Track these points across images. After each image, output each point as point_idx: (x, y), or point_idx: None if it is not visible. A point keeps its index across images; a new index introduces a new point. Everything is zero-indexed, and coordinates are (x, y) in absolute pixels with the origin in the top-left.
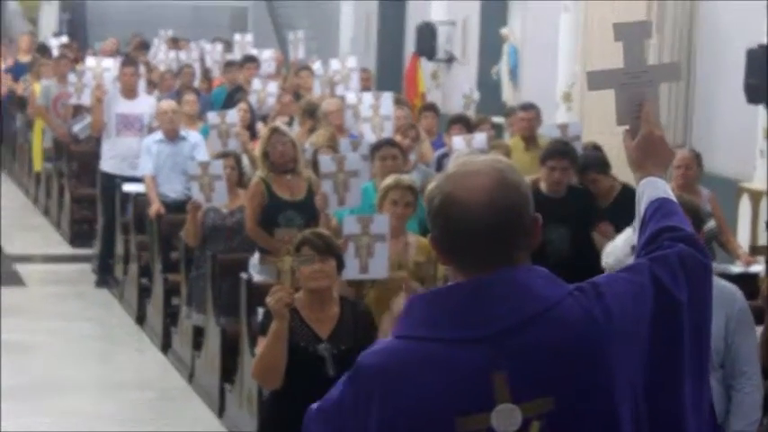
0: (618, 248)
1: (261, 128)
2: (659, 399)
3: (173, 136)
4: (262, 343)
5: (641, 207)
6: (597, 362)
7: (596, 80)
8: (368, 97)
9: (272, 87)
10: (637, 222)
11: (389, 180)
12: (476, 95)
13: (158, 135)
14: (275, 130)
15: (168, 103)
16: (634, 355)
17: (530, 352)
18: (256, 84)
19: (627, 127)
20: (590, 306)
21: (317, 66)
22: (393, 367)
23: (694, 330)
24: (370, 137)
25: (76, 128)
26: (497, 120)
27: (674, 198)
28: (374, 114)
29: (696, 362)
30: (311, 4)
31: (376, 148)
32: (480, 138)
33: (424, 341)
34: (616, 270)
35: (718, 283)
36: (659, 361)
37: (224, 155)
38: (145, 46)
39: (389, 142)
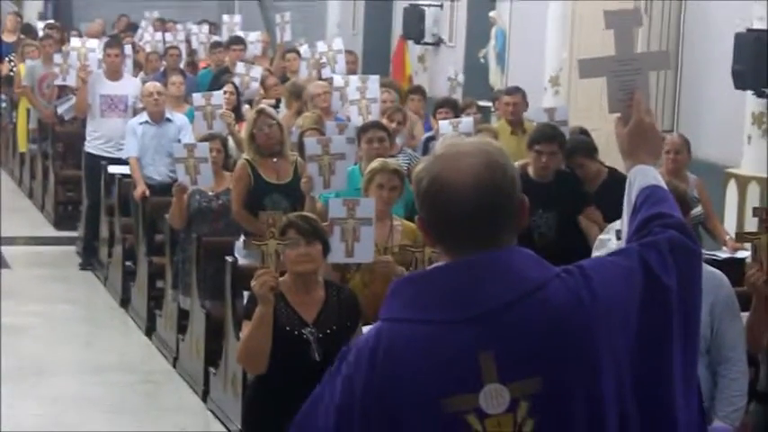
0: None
1: (247, 110)
2: (649, 383)
3: (158, 118)
4: (246, 327)
5: (632, 194)
6: (584, 343)
7: (587, 68)
8: (354, 80)
9: (256, 72)
10: (626, 209)
11: (375, 164)
12: (461, 78)
13: (143, 117)
14: (261, 113)
15: (154, 85)
16: (621, 338)
17: (517, 332)
18: (240, 67)
19: (618, 114)
20: (577, 288)
21: (303, 48)
22: (380, 349)
23: (683, 316)
24: (357, 120)
25: (61, 109)
26: (485, 103)
27: (664, 185)
28: (361, 97)
29: (685, 347)
30: None
31: (363, 130)
32: (467, 121)
33: (411, 323)
34: (607, 253)
35: (705, 269)
36: (648, 345)
37: (210, 137)
38: (132, 27)
39: (377, 125)
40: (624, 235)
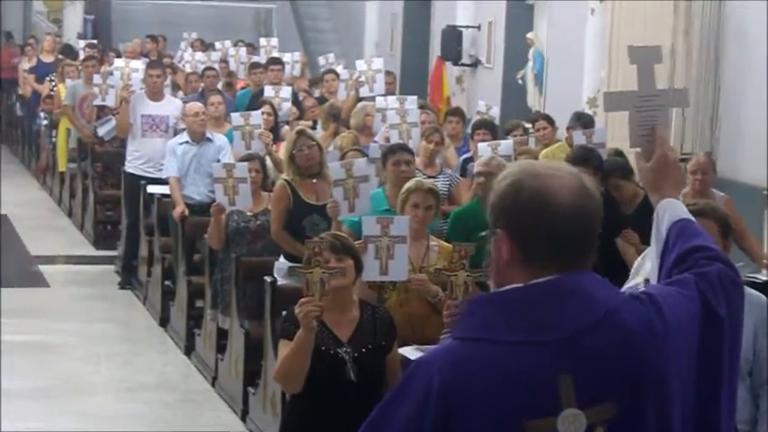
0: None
1: (285, 131)
2: (701, 409)
3: (199, 138)
4: (284, 346)
5: (662, 227)
6: (656, 371)
7: (612, 101)
8: (392, 100)
9: (286, 93)
10: (655, 241)
11: (410, 183)
12: (493, 111)
13: (184, 137)
14: (301, 134)
15: (197, 105)
16: (684, 366)
17: (593, 357)
18: (269, 90)
19: (638, 149)
20: (650, 316)
21: (340, 69)
22: (458, 367)
23: (730, 344)
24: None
25: (101, 130)
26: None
27: (693, 218)
28: (401, 121)
29: (730, 374)
30: (336, 6)
31: (389, 152)
32: (506, 144)
33: (489, 343)
34: (662, 282)
35: (746, 291)
36: (704, 373)
37: (249, 158)
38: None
39: (403, 147)
40: (654, 266)
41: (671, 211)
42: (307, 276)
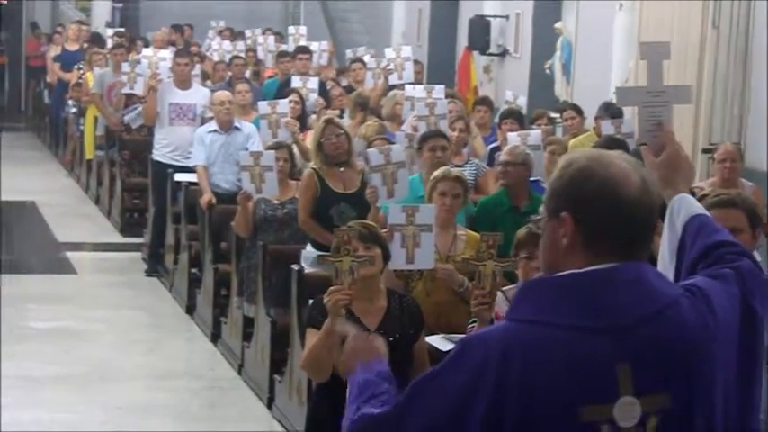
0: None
1: (312, 120)
2: (735, 405)
3: (227, 127)
4: (311, 335)
5: (677, 222)
6: (707, 364)
7: (623, 97)
8: (420, 89)
9: (314, 83)
10: (667, 233)
11: (438, 172)
12: (520, 101)
13: (212, 125)
14: (329, 122)
15: (224, 94)
16: (730, 363)
17: (651, 347)
18: (296, 80)
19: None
20: (703, 311)
21: (367, 58)
22: (515, 348)
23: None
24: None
25: (128, 117)
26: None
27: (708, 214)
28: (430, 113)
29: (760, 369)
30: None
31: (424, 139)
32: (535, 134)
33: (546, 326)
34: (702, 274)
35: None
36: (744, 366)
37: (277, 146)
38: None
39: (438, 134)
40: (666, 259)
41: (686, 206)
42: (336, 265)
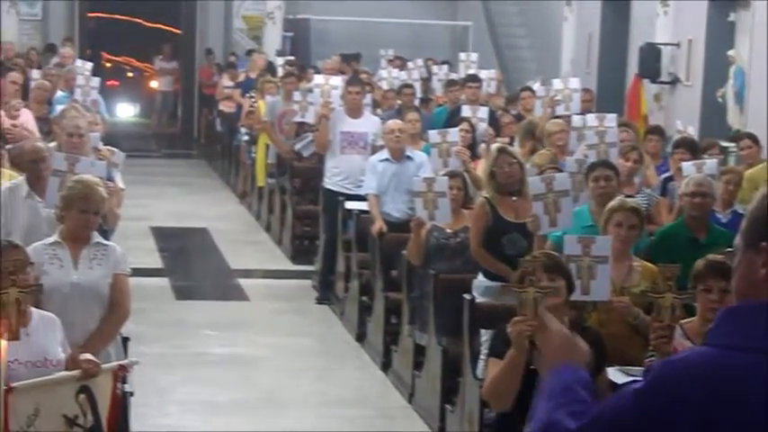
0: None
1: (482, 149)
2: None
3: (398, 155)
4: (493, 365)
5: None
6: None
7: None
8: (591, 118)
9: (483, 113)
10: None
11: (614, 202)
12: (690, 129)
13: (384, 154)
14: (502, 151)
15: (395, 122)
16: None
17: None
18: (466, 110)
19: None
20: None
21: (537, 86)
22: (712, 376)
23: None
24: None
25: (298, 146)
26: (723, 144)
27: None
28: (600, 141)
29: None
30: (533, 23)
31: (590, 169)
32: (711, 163)
33: (749, 352)
34: None
35: None
36: None
37: (452, 174)
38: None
39: (604, 164)
40: None
41: None
42: (521, 295)
